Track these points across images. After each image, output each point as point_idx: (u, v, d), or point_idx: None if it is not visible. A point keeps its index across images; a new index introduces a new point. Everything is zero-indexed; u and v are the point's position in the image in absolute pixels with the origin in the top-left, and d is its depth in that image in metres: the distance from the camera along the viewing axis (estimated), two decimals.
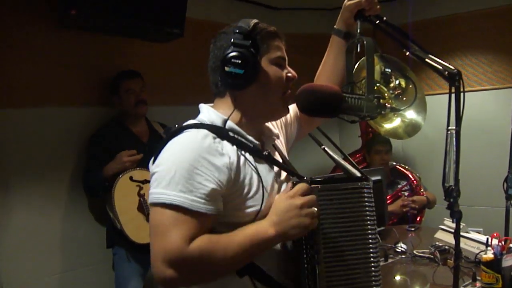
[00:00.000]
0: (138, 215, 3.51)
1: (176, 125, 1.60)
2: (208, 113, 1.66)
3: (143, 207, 3.50)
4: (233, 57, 1.57)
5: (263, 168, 1.65)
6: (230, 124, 1.62)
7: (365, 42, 1.71)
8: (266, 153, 1.67)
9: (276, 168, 1.72)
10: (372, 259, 1.63)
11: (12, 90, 3.47)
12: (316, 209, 1.55)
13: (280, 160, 1.81)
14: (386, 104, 1.71)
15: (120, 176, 3.48)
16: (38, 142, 3.61)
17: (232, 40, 1.59)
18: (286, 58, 1.72)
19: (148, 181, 3.39)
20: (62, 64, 3.71)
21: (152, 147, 3.64)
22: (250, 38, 1.60)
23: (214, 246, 1.44)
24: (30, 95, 3.56)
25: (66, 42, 3.73)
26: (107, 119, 3.89)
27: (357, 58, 1.98)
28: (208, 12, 4.31)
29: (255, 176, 1.59)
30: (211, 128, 1.57)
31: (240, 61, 1.57)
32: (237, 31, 1.61)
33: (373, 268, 1.62)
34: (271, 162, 1.69)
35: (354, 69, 2.12)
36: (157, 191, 1.46)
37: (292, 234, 1.54)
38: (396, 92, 3.73)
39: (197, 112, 1.73)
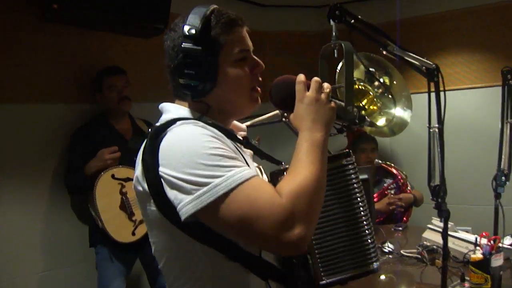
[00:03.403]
0: (120, 213, 3.46)
1: (150, 129, 1.44)
2: (177, 111, 1.50)
3: (125, 206, 3.45)
4: (186, 67, 1.41)
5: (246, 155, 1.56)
6: (205, 118, 1.47)
7: (343, 46, 1.58)
8: (245, 141, 1.57)
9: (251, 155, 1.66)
10: (367, 237, 1.57)
11: None
12: (327, 84, 1.50)
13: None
14: (366, 117, 1.62)
15: (102, 174, 3.43)
16: (19, 139, 3.56)
17: (182, 45, 1.41)
18: (251, 46, 1.55)
19: (131, 179, 3.38)
20: (44, 59, 3.66)
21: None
22: (201, 41, 1.42)
23: (295, 180, 1.33)
24: (11, 91, 3.50)
25: (48, 37, 3.67)
26: (90, 115, 3.84)
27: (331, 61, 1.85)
28: (193, 8, 4.26)
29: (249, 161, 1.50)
30: (191, 119, 1.44)
31: (193, 72, 1.41)
32: (186, 33, 1.42)
33: (370, 245, 1.56)
34: (251, 148, 1.60)
35: (337, 74, 2.04)
36: (209, 188, 1.27)
37: (332, 117, 1.49)
38: (381, 90, 3.71)
39: None
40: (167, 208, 1.34)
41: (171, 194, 1.31)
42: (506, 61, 4.54)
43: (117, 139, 3.66)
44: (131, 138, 3.67)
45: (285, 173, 1.46)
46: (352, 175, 1.57)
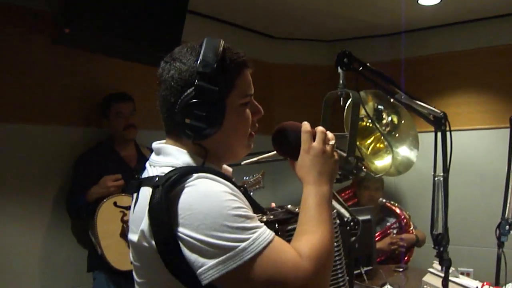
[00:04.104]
0: (121, 241, 3.43)
1: (157, 178, 1.32)
2: (179, 155, 1.41)
3: (126, 234, 3.42)
4: (196, 107, 1.33)
5: None
6: (207, 164, 1.41)
7: (351, 96, 1.57)
8: (243, 189, 1.48)
9: None
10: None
11: (1, 104, 3.43)
12: (331, 134, 1.48)
13: None
14: (363, 168, 1.61)
15: (104, 200, 3.42)
16: (23, 159, 3.55)
17: (195, 82, 1.33)
18: (253, 89, 1.47)
19: None
20: (53, 81, 3.68)
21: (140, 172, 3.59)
22: (216, 80, 1.34)
23: (313, 241, 1.30)
24: (19, 111, 3.52)
25: (59, 60, 3.70)
26: (96, 140, 3.83)
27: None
28: (203, 38, 4.26)
29: None
30: (203, 170, 1.34)
31: (204, 114, 1.33)
32: (201, 70, 1.33)
33: None
34: (246, 196, 1.48)
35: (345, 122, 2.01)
36: (235, 253, 1.20)
37: (336, 170, 1.48)
38: (389, 129, 3.70)
39: None
40: (181, 269, 1.25)
41: (191, 256, 1.23)
42: None
43: (121, 166, 3.65)
44: (129, 184, 3.65)
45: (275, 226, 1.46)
46: None
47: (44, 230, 3.67)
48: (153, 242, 1.26)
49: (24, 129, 3.55)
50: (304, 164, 1.45)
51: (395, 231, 4.33)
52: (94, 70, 3.93)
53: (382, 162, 3.83)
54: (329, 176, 1.44)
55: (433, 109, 1.92)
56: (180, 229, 1.23)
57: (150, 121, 4.00)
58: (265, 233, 1.25)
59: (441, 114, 1.88)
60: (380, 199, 4.34)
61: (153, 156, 1.48)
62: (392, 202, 4.54)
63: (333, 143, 1.47)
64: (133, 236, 1.36)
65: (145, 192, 1.34)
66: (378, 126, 3.49)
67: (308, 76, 5.55)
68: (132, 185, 1.45)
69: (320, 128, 1.48)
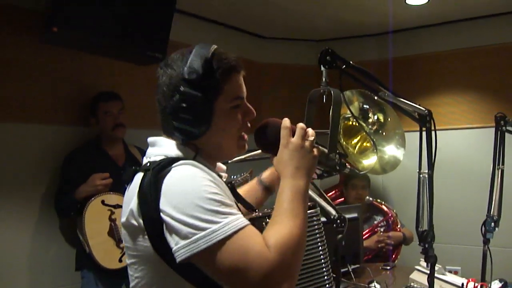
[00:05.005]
0: (108, 239, 3.44)
1: (148, 163, 1.43)
2: (173, 148, 1.49)
3: (114, 232, 3.43)
4: (182, 112, 1.41)
5: None
6: (198, 159, 1.47)
7: (332, 93, 1.59)
8: (230, 186, 1.59)
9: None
10: (326, 282, 1.66)
11: None
12: (311, 130, 1.51)
13: None
14: (347, 164, 1.63)
15: (92, 199, 3.42)
16: (11, 158, 3.54)
17: (181, 88, 1.41)
18: (245, 92, 1.54)
19: (121, 206, 3.36)
20: (40, 80, 3.68)
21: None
22: (201, 87, 1.41)
23: (282, 232, 1.32)
24: (6, 110, 3.51)
25: (46, 58, 3.69)
26: (84, 139, 3.84)
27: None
28: (193, 37, 4.26)
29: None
30: (191, 160, 1.44)
31: (190, 117, 1.41)
32: (186, 76, 1.41)
33: None
34: (232, 192, 1.61)
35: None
36: (205, 233, 1.26)
37: (314, 165, 1.51)
38: (375, 128, 3.71)
39: None
40: (162, 246, 1.33)
41: (168, 234, 1.31)
42: (498, 102, 4.60)
43: (109, 165, 3.66)
44: (126, 171, 3.66)
45: (266, 220, 1.49)
46: (316, 226, 1.70)
47: (33, 228, 3.66)
48: (141, 221, 1.36)
49: (12, 128, 3.54)
50: (282, 158, 1.48)
51: (382, 229, 4.36)
52: (82, 69, 3.92)
53: (369, 161, 3.84)
54: (306, 171, 1.47)
55: (418, 106, 1.93)
56: (161, 205, 1.32)
57: (138, 120, 4.03)
58: (237, 220, 1.30)
59: (426, 111, 1.90)
60: (367, 197, 4.36)
61: (148, 150, 1.56)
62: (379, 201, 4.56)
63: (312, 139, 1.50)
64: (124, 217, 1.44)
65: (138, 177, 1.43)
66: (362, 124, 3.50)
67: (296, 76, 5.56)
68: (129, 173, 1.51)
69: (300, 125, 1.52)
